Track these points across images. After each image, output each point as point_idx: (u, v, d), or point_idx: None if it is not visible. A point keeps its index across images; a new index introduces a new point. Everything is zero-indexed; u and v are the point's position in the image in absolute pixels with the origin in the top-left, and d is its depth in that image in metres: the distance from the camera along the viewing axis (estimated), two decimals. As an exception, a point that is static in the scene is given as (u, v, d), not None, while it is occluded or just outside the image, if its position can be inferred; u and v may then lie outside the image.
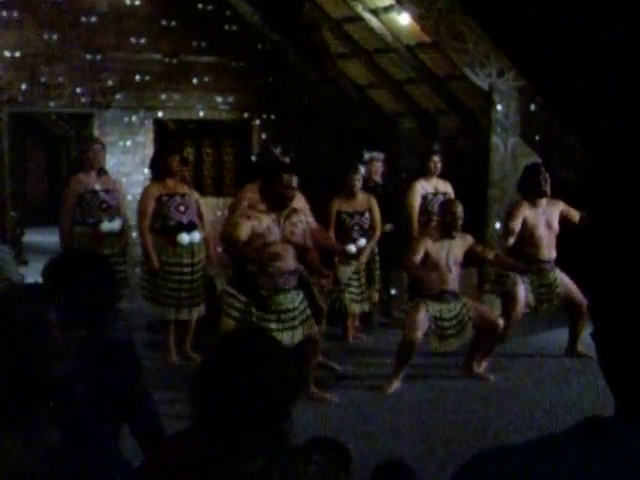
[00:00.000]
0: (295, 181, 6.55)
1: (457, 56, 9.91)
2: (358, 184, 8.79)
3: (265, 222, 6.47)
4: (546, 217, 8.06)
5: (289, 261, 6.58)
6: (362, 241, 8.77)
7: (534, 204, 8.03)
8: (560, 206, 8.19)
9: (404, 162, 12.25)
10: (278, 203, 6.50)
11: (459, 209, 7.37)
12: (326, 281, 7.00)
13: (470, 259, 7.80)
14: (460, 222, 7.35)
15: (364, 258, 8.82)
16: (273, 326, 6.49)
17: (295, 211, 6.71)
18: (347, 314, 8.86)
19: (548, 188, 8.02)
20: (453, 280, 7.41)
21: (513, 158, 10.10)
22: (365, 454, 5.32)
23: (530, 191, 8.05)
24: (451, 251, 7.35)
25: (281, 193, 6.48)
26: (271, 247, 6.46)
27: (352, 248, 8.67)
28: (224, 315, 6.64)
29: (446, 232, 7.35)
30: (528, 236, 7.99)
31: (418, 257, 7.28)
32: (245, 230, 6.43)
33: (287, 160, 8.27)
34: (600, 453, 1.25)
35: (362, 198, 8.86)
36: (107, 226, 8.59)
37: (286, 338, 6.43)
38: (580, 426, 1.32)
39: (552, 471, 1.26)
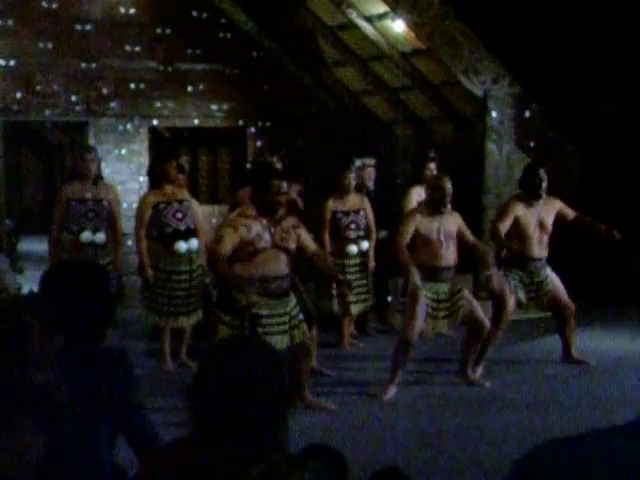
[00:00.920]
0: (285, 186, 6.56)
1: (452, 63, 9.94)
2: (352, 182, 8.86)
3: (255, 228, 6.44)
4: (539, 216, 8.00)
5: (281, 266, 6.55)
6: (364, 244, 8.83)
7: (529, 203, 7.99)
8: (556, 205, 8.14)
9: (399, 169, 12.27)
10: (268, 209, 6.49)
11: (448, 185, 7.41)
12: (344, 286, 7.05)
13: (466, 265, 7.80)
14: (449, 198, 7.39)
15: (372, 263, 8.91)
16: (269, 330, 6.45)
17: (286, 216, 6.69)
18: (343, 316, 8.89)
19: (543, 191, 7.98)
20: (448, 255, 7.37)
21: (508, 164, 10.13)
22: (361, 461, 5.31)
23: (526, 191, 8.03)
24: (442, 226, 7.34)
25: (271, 199, 6.47)
26: (262, 253, 6.44)
27: (353, 249, 8.76)
28: (219, 323, 6.61)
29: (436, 208, 7.36)
30: (519, 234, 7.94)
31: (407, 238, 7.27)
32: (230, 242, 6.39)
33: (280, 167, 8.30)
34: None
35: (356, 197, 8.97)
36: (87, 236, 8.45)
37: (277, 342, 6.38)
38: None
39: (614, 463, 1.27)
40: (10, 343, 2.63)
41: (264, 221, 6.49)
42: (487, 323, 7.52)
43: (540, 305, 8.16)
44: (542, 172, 7.98)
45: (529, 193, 7.98)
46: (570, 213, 8.17)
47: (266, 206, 6.49)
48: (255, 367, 2.40)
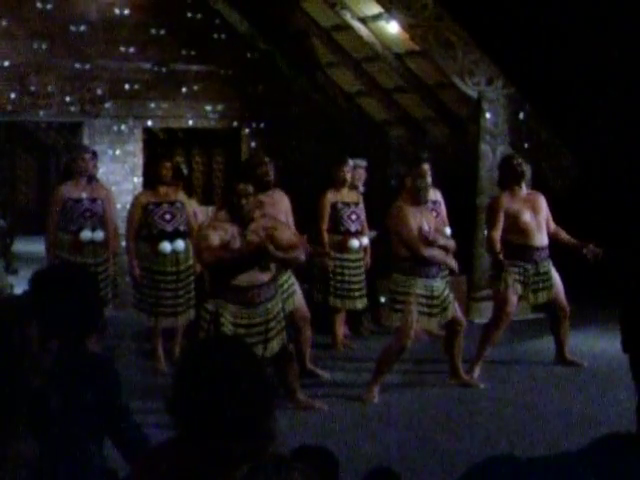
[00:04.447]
0: (250, 189, 6.46)
1: (446, 64, 9.95)
2: (348, 175, 8.83)
3: (229, 231, 6.38)
4: (530, 204, 7.89)
5: (255, 273, 6.40)
6: (364, 239, 8.85)
7: (514, 193, 7.91)
8: (543, 198, 8.04)
9: (393, 170, 12.27)
10: (236, 212, 6.43)
11: (429, 174, 7.42)
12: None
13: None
14: (430, 188, 7.42)
15: (368, 258, 8.92)
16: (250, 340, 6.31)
17: (257, 219, 6.57)
18: (335, 315, 8.89)
19: (524, 172, 7.96)
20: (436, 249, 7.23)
21: (502, 166, 10.12)
22: (354, 462, 5.32)
23: (508, 181, 7.95)
24: (426, 218, 7.25)
25: (237, 202, 6.41)
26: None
27: (355, 243, 8.77)
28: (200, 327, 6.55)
29: (419, 199, 7.22)
30: (513, 224, 7.81)
31: (416, 229, 7.10)
32: (214, 239, 6.32)
33: (272, 167, 8.25)
34: (620, 471, 1.23)
35: (352, 191, 8.97)
36: (87, 235, 8.48)
37: (258, 352, 6.21)
38: (598, 444, 1.30)
39: None
40: (9, 348, 2.63)
41: (235, 224, 6.44)
42: (464, 320, 7.49)
43: (546, 298, 7.96)
44: (517, 156, 8.04)
45: (511, 179, 7.87)
46: (550, 223, 8.04)
47: (234, 209, 6.45)
48: (230, 365, 2.39)
